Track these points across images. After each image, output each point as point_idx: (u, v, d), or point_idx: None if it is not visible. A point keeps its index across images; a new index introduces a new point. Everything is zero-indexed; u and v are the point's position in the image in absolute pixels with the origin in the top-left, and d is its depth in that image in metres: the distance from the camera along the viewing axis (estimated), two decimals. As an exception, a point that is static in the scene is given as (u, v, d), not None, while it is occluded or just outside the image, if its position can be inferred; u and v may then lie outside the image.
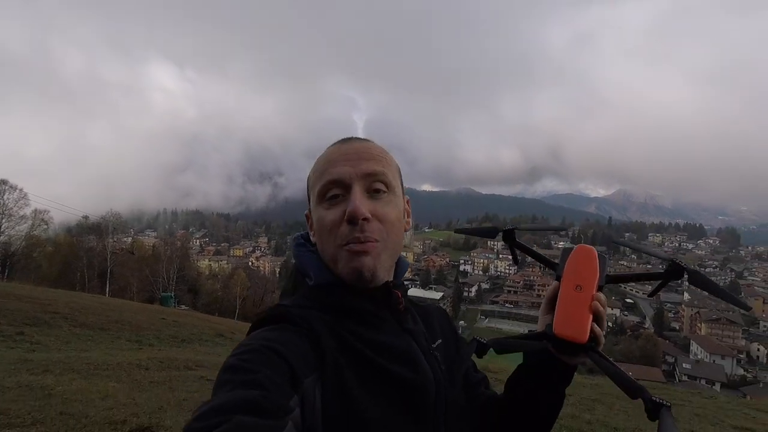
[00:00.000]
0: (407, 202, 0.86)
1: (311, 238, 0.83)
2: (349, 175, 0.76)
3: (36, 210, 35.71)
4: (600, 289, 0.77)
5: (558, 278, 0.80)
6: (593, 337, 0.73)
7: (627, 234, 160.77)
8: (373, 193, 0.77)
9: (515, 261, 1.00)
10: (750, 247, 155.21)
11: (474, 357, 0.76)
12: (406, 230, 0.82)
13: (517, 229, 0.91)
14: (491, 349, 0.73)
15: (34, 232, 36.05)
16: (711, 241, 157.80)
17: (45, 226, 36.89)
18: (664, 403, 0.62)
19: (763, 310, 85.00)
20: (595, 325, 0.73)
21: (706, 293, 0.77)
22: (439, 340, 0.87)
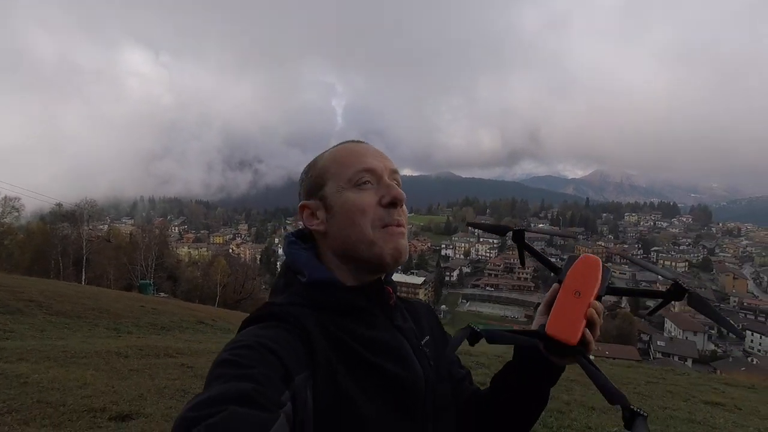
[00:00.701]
0: None
1: (315, 226, 0.82)
2: (381, 168, 0.81)
3: (6, 197, 34.68)
4: (599, 298, 0.78)
5: (560, 282, 0.81)
6: (584, 342, 0.74)
7: (604, 214, 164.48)
8: None
9: (522, 262, 0.99)
10: (721, 224, 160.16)
11: (463, 345, 0.76)
12: None
13: (527, 231, 0.93)
14: (483, 339, 0.73)
15: (5, 219, 35.02)
16: (684, 219, 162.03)
17: (16, 214, 35.86)
18: (641, 413, 0.64)
19: (734, 286, 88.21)
20: (587, 331, 0.75)
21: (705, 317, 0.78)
22: (427, 337, 0.89)
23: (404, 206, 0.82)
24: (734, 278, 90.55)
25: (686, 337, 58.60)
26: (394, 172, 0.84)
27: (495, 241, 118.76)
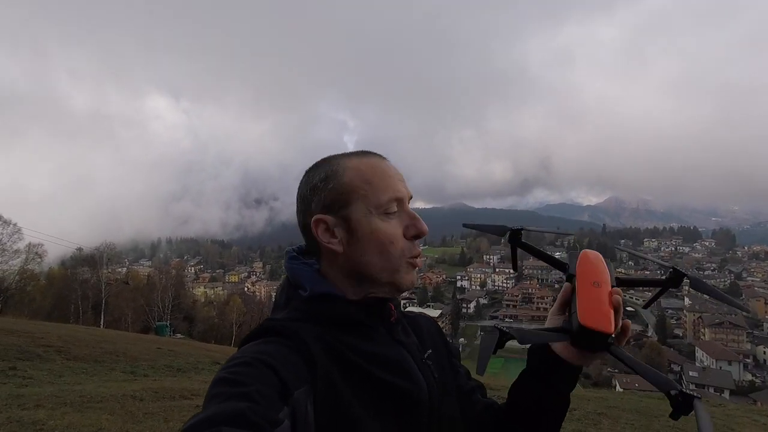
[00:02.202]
0: None
1: (328, 243, 0.78)
2: (407, 195, 0.81)
3: (30, 244, 35.54)
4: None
5: (569, 278, 0.81)
6: (617, 330, 0.74)
7: (623, 240, 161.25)
8: None
9: (515, 266, 0.98)
10: (746, 248, 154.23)
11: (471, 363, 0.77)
12: None
13: (525, 230, 0.90)
14: (513, 339, 0.70)
15: (28, 266, 35.78)
16: (707, 243, 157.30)
17: (39, 260, 36.62)
18: (696, 395, 0.62)
19: (766, 312, 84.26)
20: (619, 318, 0.74)
21: (708, 297, 0.83)
22: (430, 350, 0.87)
23: None
24: (766, 303, 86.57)
25: (720, 367, 55.23)
26: (411, 198, 0.83)
27: (511, 271, 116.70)
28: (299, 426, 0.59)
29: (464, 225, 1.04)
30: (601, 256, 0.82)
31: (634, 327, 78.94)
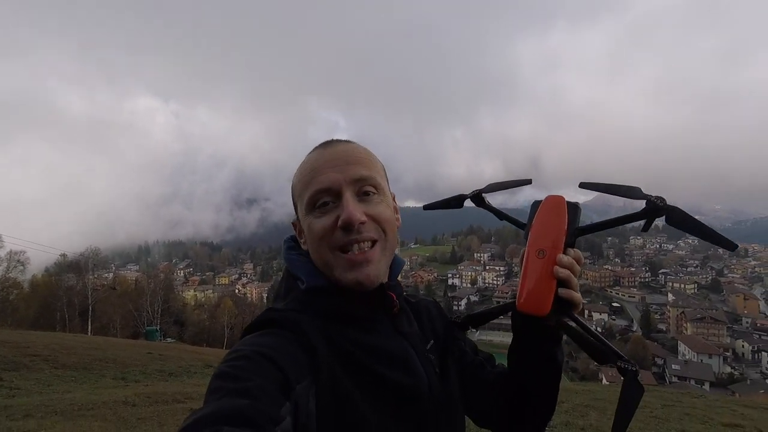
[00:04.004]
0: (393, 198, 0.85)
1: (302, 246, 0.81)
2: (338, 182, 0.73)
3: (11, 251, 34.78)
4: (572, 244, 0.73)
5: (526, 239, 0.76)
6: (562, 304, 0.72)
7: (609, 238, 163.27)
8: (363, 195, 0.75)
9: (500, 217, 0.95)
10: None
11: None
12: (397, 228, 0.81)
13: (483, 192, 0.92)
14: (470, 327, 0.73)
15: (10, 274, 34.97)
16: (690, 241, 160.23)
17: (21, 267, 35.81)
18: (629, 368, 0.65)
19: (745, 307, 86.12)
20: (562, 290, 0.72)
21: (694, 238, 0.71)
22: (432, 341, 0.85)
23: (371, 218, 0.74)
24: (745, 299, 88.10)
25: (701, 360, 56.57)
26: (358, 180, 0.75)
27: (501, 268, 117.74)
28: (301, 419, 0.58)
29: (425, 207, 1.04)
30: (563, 203, 0.75)
31: (620, 322, 79.90)
